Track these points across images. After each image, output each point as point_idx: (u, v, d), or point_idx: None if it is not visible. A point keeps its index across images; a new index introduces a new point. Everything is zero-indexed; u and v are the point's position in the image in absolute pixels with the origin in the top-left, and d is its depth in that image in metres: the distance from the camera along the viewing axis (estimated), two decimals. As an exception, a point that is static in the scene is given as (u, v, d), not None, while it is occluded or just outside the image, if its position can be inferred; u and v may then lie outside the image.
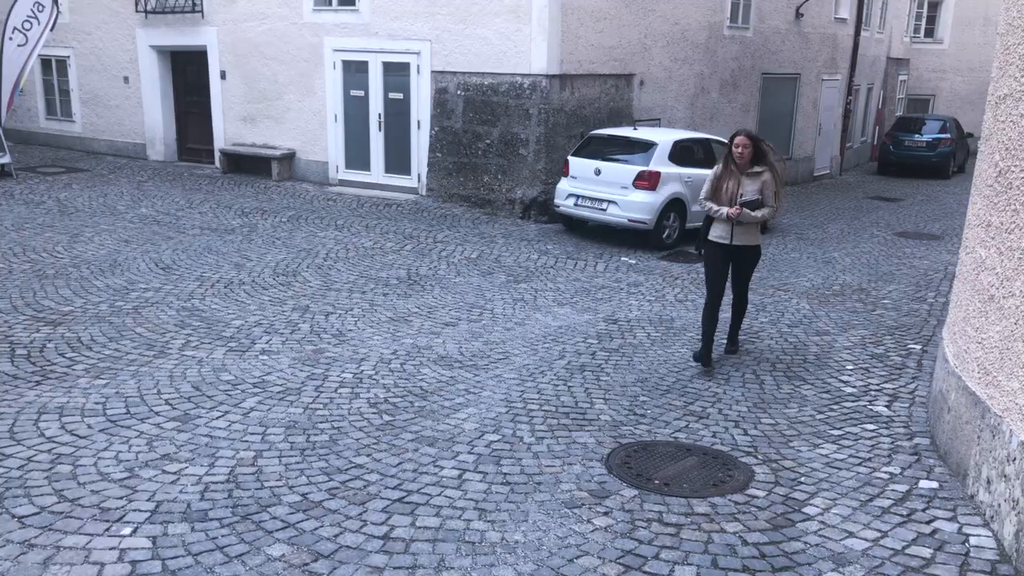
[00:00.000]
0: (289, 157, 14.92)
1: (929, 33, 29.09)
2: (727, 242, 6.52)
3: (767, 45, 17.37)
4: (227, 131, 15.54)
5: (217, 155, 15.59)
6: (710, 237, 6.63)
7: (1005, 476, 3.93)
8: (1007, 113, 4.44)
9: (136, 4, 15.64)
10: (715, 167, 6.61)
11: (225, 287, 8.23)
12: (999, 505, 3.97)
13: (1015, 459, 3.83)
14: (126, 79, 16.45)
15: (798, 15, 18.09)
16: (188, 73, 16.09)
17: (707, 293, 6.66)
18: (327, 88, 14.24)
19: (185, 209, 12.07)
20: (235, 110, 15.38)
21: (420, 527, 3.96)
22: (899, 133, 22.48)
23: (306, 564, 3.61)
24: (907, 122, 23.25)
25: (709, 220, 6.68)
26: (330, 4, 14.02)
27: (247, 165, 15.27)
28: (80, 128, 17.37)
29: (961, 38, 28.18)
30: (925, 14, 28.82)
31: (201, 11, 15.14)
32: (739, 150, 6.39)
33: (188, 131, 16.44)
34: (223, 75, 15.34)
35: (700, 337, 6.70)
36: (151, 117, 16.35)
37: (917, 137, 22.06)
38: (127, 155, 16.68)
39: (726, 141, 13.38)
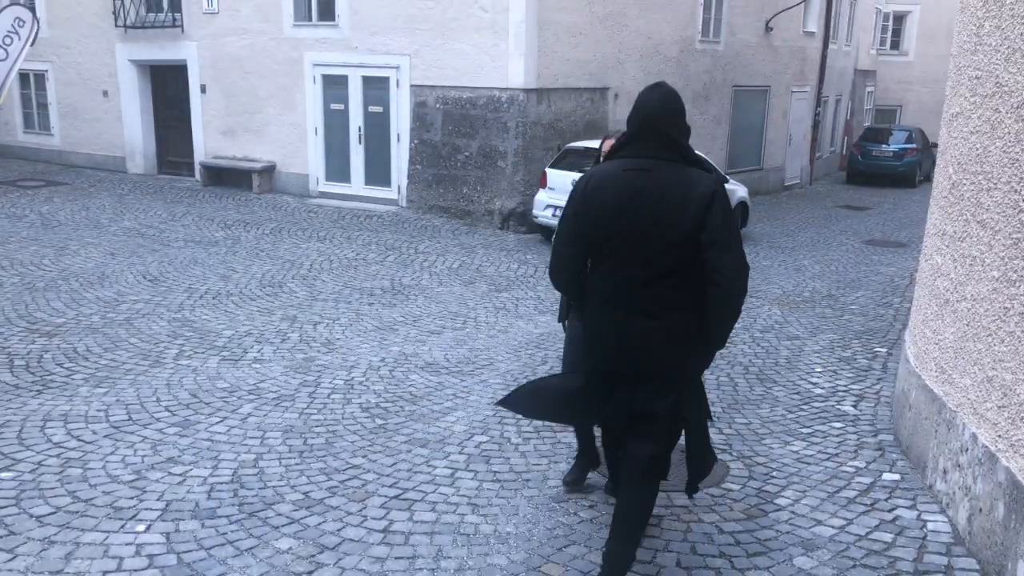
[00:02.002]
0: (269, 170, 15.11)
1: (895, 46, 29.86)
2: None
3: (738, 58, 17.81)
4: (207, 144, 15.71)
5: (198, 168, 15.75)
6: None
7: (959, 466, 4.25)
8: (959, 130, 4.78)
9: (116, 19, 15.79)
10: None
11: (213, 298, 8.42)
12: (954, 493, 4.29)
13: (968, 450, 4.15)
14: (105, 93, 16.58)
15: (768, 29, 18.57)
16: (168, 87, 16.24)
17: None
18: (307, 102, 14.47)
19: (168, 222, 12.22)
20: (215, 123, 15.55)
21: (418, 521, 4.20)
22: (867, 143, 23.05)
23: (312, 556, 3.84)
24: (874, 133, 23.83)
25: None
26: (310, 19, 14.26)
27: (228, 178, 15.43)
28: (59, 141, 17.46)
29: (926, 50, 28.95)
30: (891, 27, 29.58)
31: (181, 26, 15.33)
32: None
33: (168, 144, 16.58)
34: (203, 89, 15.52)
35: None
36: (131, 130, 16.48)
37: (884, 147, 22.64)
38: (106, 168, 16.78)
39: (701, 154, 13.75)
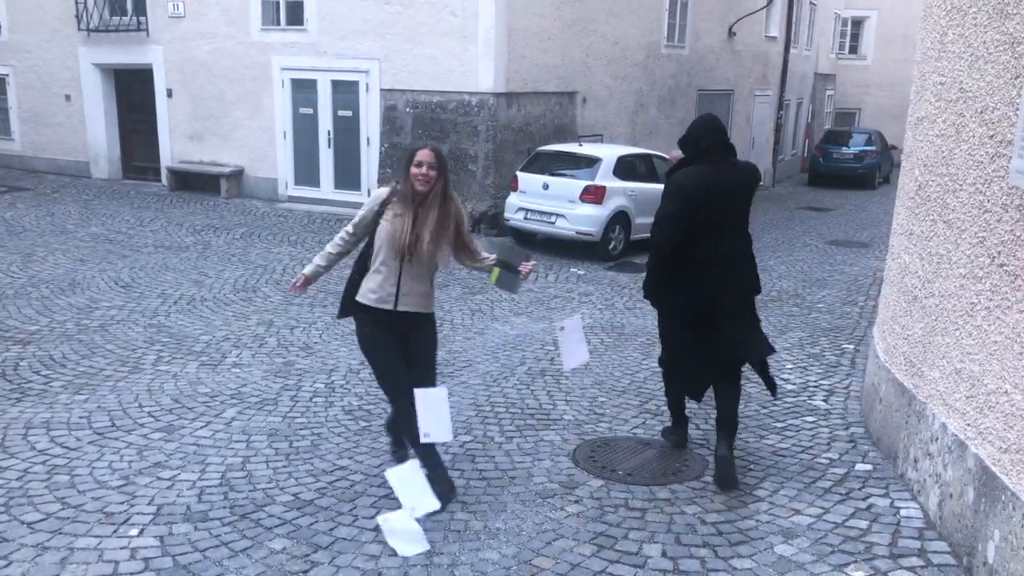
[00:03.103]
0: (238, 174, 15.04)
1: (853, 50, 30.48)
2: (390, 307, 4.28)
3: (702, 63, 18.10)
4: (174, 149, 15.59)
5: (164, 173, 15.62)
6: (359, 299, 4.35)
7: (929, 454, 4.42)
8: (924, 133, 4.97)
9: (78, 23, 15.59)
10: (377, 194, 4.42)
11: (188, 303, 8.40)
12: (924, 480, 4.46)
13: (937, 439, 4.32)
14: (68, 97, 16.36)
15: (731, 34, 18.90)
16: (133, 91, 16.08)
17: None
18: (276, 106, 14.43)
19: (136, 227, 12.13)
20: (182, 128, 15.45)
21: (408, 519, 4.27)
22: (828, 146, 23.51)
23: (307, 555, 3.90)
24: (835, 135, 24.32)
25: (356, 278, 4.42)
26: (278, 24, 14.24)
27: (195, 183, 15.33)
28: (19, 147, 17.19)
29: (883, 55, 29.60)
30: (849, 32, 30.21)
31: (146, 30, 15.21)
32: (423, 171, 4.18)
33: (133, 149, 16.43)
34: (169, 93, 15.40)
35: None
36: (95, 135, 16.29)
37: (845, 149, 23.11)
38: (69, 173, 16.56)
39: (666, 156, 13.94)
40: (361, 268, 4.38)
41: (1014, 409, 3.55)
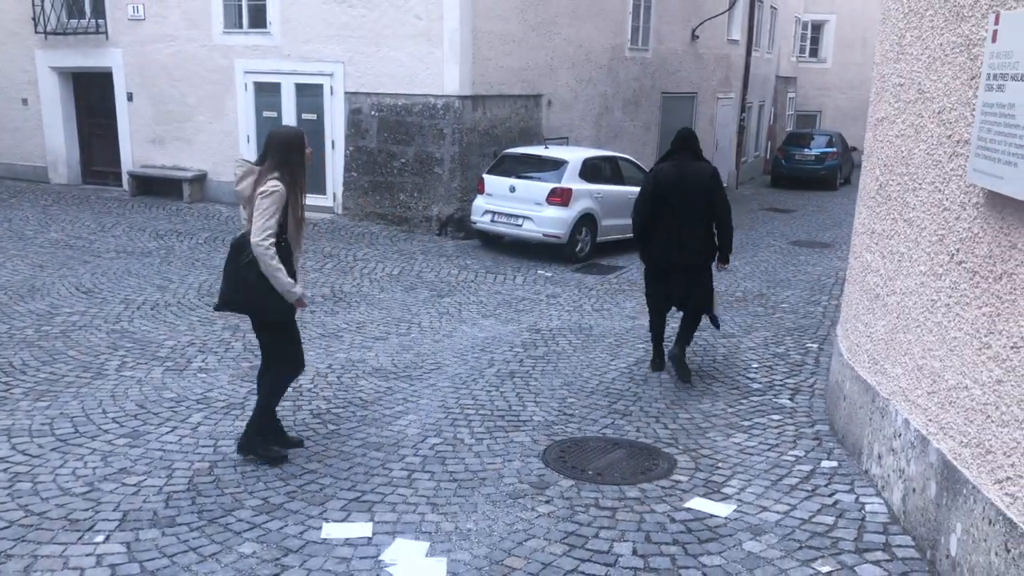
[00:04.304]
0: (201, 179, 14.87)
1: (814, 53, 30.92)
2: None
3: (666, 66, 18.25)
4: (135, 153, 15.38)
5: (125, 177, 15.39)
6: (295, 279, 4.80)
7: (893, 450, 4.50)
8: (884, 134, 5.06)
9: (35, 25, 15.29)
10: (275, 188, 4.52)
11: (152, 309, 8.29)
12: (888, 476, 4.54)
13: (901, 435, 4.40)
14: (24, 101, 16.05)
15: (694, 37, 19.08)
16: (92, 95, 15.82)
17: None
18: (239, 109, 14.30)
19: (97, 233, 11.94)
20: (143, 132, 15.24)
21: (379, 522, 4.26)
22: (790, 148, 23.82)
23: (277, 559, 3.86)
24: (797, 137, 24.64)
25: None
26: (241, 27, 14.11)
27: (157, 187, 15.13)
28: (-26, 151, 16.82)
29: (842, 58, 30.07)
30: (809, 35, 30.64)
31: (105, 33, 14.98)
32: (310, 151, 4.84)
33: (93, 153, 16.15)
34: (130, 97, 15.19)
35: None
36: (53, 140, 15.99)
37: (806, 151, 23.43)
38: (27, 178, 16.23)
39: (632, 159, 14.04)
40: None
41: (974, 404, 3.63)
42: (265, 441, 4.97)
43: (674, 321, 7.18)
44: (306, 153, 4.74)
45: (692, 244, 6.55)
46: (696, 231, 6.54)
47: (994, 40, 3.47)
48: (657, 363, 6.99)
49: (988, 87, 3.52)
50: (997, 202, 3.52)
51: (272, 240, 4.50)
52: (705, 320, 7.04)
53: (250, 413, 5.69)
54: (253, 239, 4.48)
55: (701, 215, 6.51)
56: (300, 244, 4.85)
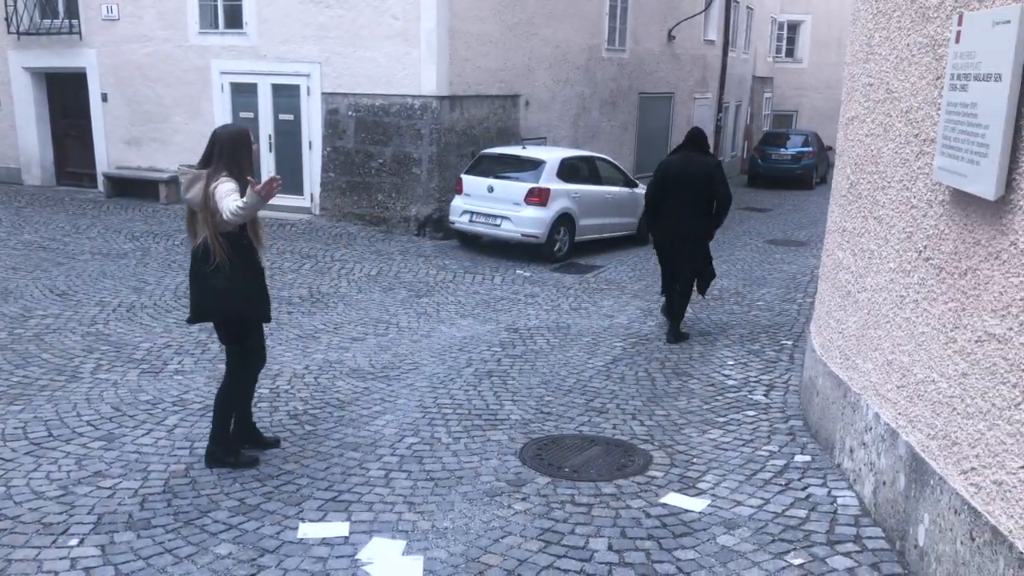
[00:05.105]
0: (177, 180, 14.75)
1: (790, 53, 31.17)
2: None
3: (643, 66, 18.34)
4: (110, 154, 15.27)
5: (100, 179, 15.27)
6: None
7: (864, 444, 4.57)
8: (855, 133, 5.14)
9: (8, 25, 15.15)
10: (228, 180, 4.48)
11: (127, 311, 8.24)
12: (860, 469, 4.61)
13: (871, 428, 4.47)
14: (-3, 102, 15.90)
15: (670, 37, 19.18)
16: (66, 95, 15.69)
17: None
18: (215, 110, 14.22)
19: (72, 234, 11.85)
20: (119, 133, 15.13)
21: (356, 521, 4.27)
22: (766, 147, 23.98)
23: (254, 559, 3.86)
24: (773, 137, 24.81)
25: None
26: (217, 27, 14.04)
27: (133, 189, 15.03)
28: (-53, 153, 16.63)
29: (818, 58, 30.33)
30: (785, 36, 30.88)
31: (79, 33, 14.86)
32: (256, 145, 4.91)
33: (68, 155, 16.02)
34: (104, 97, 15.08)
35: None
36: (26, 141, 15.84)
37: (783, 151, 23.60)
38: (0, 180, 16.09)
39: (610, 159, 14.13)
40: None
41: (941, 397, 3.70)
42: (230, 449, 4.90)
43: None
44: (253, 149, 4.67)
45: (690, 221, 7.77)
46: (694, 211, 7.75)
47: (957, 41, 3.54)
48: (668, 310, 8.29)
49: (952, 87, 3.58)
50: (961, 200, 3.59)
51: (237, 205, 4.28)
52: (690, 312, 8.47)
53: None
54: (224, 214, 4.32)
55: (699, 199, 7.73)
56: (262, 242, 4.79)
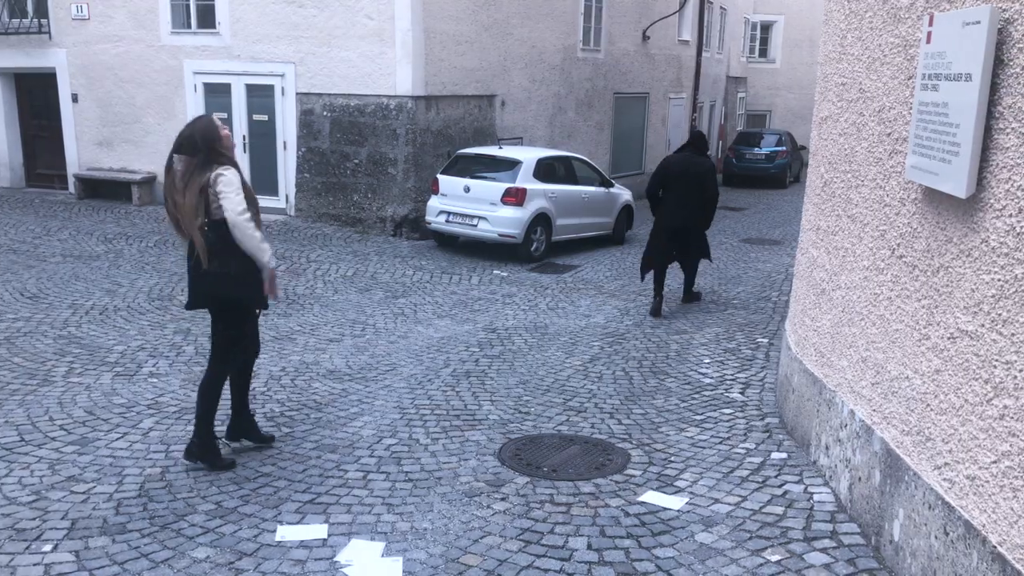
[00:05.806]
0: (150, 181, 14.63)
1: (763, 53, 31.40)
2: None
3: (618, 66, 18.40)
4: (81, 155, 15.08)
5: (71, 180, 15.09)
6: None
7: (839, 440, 4.61)
8: (828, 132, 5.18)
9: (-24, 25, 14.95)
10: (228, 170, 4.59)
11: (100, 314, 8.15)
12: (835, 465, 4.65)
13: (847, 425, 4.51)
14: (-35, 103, 15.65)
15: (645, 38, 19.25)
16: (35, 96, 15.48)
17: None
18: (188, 111, 14.06)
19: (42, 237, 11.69)
20: (90, 134, 14.96)
21: (334, 523, 4.25)
22: (741, 147, 24.14)
23: (231, 563, 3.83)
24: (747, 136, 24.98)
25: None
26: (189, 27, 13.92)
27: (105, 190, 14.86)
28: (-87, 155, 16.34)
29: (791, 58, 30.57)
30: (759, 36, 31.10)
31: (48, 32, 14.67)
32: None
33: (37, 156, 15.80)
34: (75, 98, 14.90)
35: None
36: (-5, 142, 15.62)
37: (757, 150, 23.77)
38: (-31, 182, 15.85)
39: (586, 159, 14.18)
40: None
41: (915, 393, 3.74)
42: (210, 448, 4.87)
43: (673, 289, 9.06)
44: (223, 136, 4.64)
45: (687, 212, 8.86)
46: (691, 203, 8.84)
47: (928, 41, 3.58)
48: (656, 310, 8.97)
49: (923, 87, 3.63)
50: (933, 198, 3.64)
51: (248, 212, 4.52)
52: (677, 298, 9.67)
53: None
54: (230, 215, 4.46)
55: (695, 194, 8.83)
56: (260, 222, 4.77)
